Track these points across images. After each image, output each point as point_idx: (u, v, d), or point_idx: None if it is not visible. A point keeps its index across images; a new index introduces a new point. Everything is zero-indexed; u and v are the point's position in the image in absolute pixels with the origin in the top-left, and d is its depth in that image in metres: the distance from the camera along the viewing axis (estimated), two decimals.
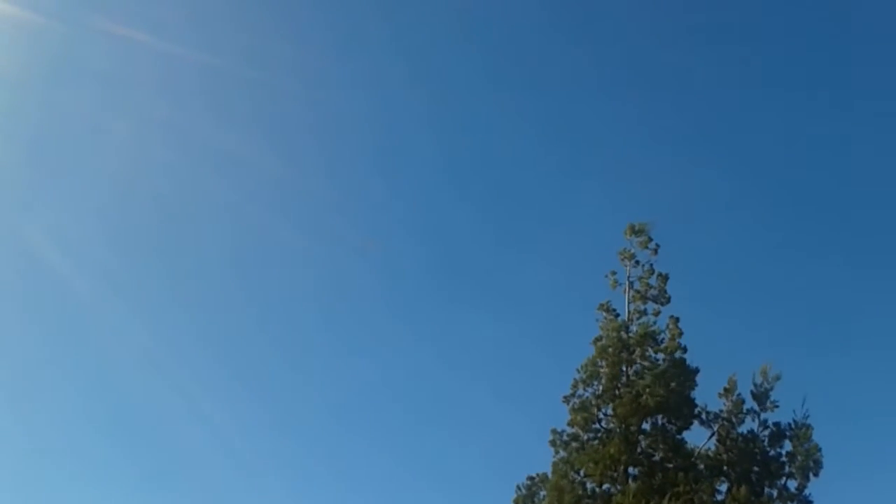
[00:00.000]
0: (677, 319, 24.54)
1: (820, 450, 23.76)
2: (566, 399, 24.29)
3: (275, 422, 42.02)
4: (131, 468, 40.27)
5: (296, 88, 41.54)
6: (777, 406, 24.26)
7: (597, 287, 25.75)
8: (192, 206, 44.04)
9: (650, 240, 25.28)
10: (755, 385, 24.28)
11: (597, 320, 25.08)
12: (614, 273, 25.48)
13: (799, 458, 23.65)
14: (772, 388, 24.30)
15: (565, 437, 24.04)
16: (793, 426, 24.02)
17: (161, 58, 37.33)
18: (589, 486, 23.58)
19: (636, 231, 25.61)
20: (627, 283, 25.26)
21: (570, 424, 24.12)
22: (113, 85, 39.61)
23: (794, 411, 24.00)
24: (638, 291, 25.05)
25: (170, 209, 42.59)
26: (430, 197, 45.91)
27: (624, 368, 24.32)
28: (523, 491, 24.36)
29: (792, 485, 23.36)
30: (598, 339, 24.65)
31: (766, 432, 24.22)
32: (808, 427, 23.97)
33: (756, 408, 24.25)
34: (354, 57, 43.39)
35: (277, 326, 45.70)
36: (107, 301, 40.34)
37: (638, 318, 24.78)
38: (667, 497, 21.90)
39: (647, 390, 23.64)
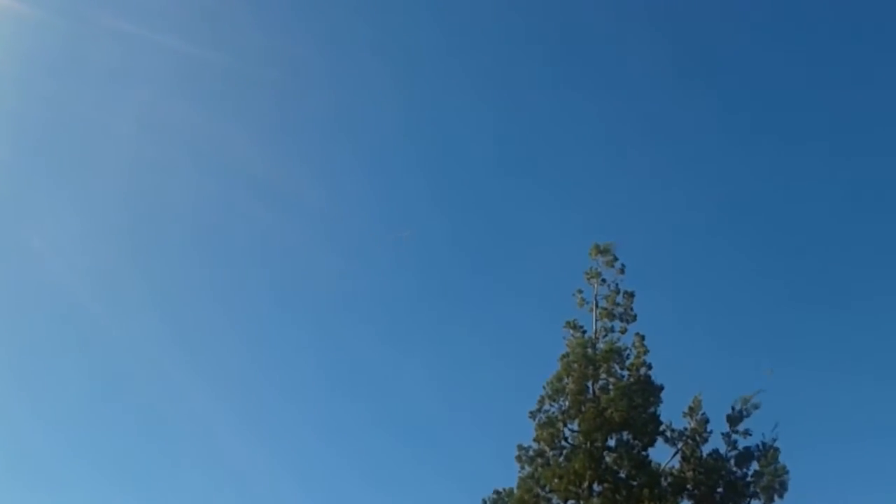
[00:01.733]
0: (643, 337, 24.90)
1: (787, 471, 24.01)
2: (532, 414, 24.43)
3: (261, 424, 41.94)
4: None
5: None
6: (750, 434, 24.52)
7: (565, 305, 26.08)
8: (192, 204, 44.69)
9: (616, 259, 25.72)
10: (733, 409, 24.65)
11: (564, 338, 25.40)
12: (581, 291, 25.88)
13: (765, 478, 23.86)
14: (748, 415, 24.62)
15: (531, 453, 24.11)
16: (761, 447, 24.23)
17: (161, 54, 38.29)
18: (554, 501, 23.65)
19: (601, 251, 26.04)
20: (594, 301, 25.61)
21: (536, 440, 24.22)
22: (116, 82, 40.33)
23: (763, 434, 24.36)
24: (604, 309, 25.39)
25: (169, 208, 43.29)
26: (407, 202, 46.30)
27: (590, 384, 24.52)
28: None
29: None
30: (565, 355, 24.87)
31: (734, 452, 24.39)
32: (776, 449, 24.20)
33: (727, 429, 24.51)
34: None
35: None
36: (103, 301, 40.98)
37: (604, 336, 25.11)
38: None
39: (612, 406, 23.79)
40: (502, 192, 45.52)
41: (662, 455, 24.18)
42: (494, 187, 45.70)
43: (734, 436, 24.57)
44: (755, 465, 24.10)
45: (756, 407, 24.67)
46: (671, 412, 24.58)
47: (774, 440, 24.35)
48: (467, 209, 45.45)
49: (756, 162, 44.18)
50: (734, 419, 24.61)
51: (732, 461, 24.25)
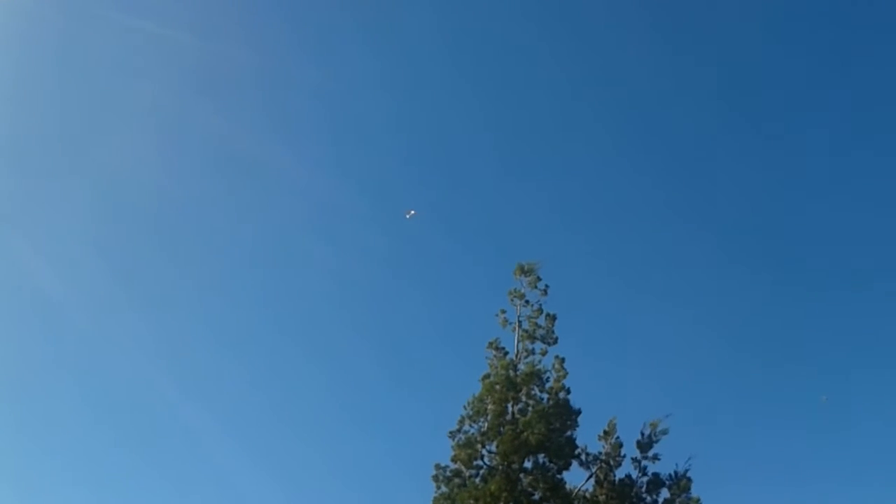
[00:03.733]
0: (563, 360, 25.01)
1: (699, 502, 24.40)
2: (452, 434, 24.30)
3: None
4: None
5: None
6: (659, 459, 24.88)
7: (488, 325, 26.07)
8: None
9: (539, 279, 25.81)
10: (642, 435, 24.92)
11: (486, 358, 25.31)
12: (504, 311, 25.88)
13: None
14: (657, 441, 24.95)
15: (448, 473, 23.96)
16: (673, 476, 24.63)
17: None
18: None
19: (525, 271, 26.09)
20: (517, 322, 25.64)
21: (454, 460, 24.08)
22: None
23: (675, 463, 24.71)
24: (526, 331, 25.44)
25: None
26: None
27: (510, 406, 24.52)
28: None
29: None
30: (487, 376, 24.83)
31: (645, 479, 24.75)
32: (688, 479, 24.60)
33: (638, 455, 24.81)
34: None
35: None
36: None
37: (526, 357, 25.13)
38: None
39: (530, 429, 23.85)
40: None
41: (578, 478, 24.43)
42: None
43: (644, 462, 24.92)
44: (665, 493, 24.51)
45: (664, 433, 25.00)
46: (588, 435, 24.84)
47: (687, 471, 24.71)
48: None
49: (682, 188, 45.35)
50: (644, 445, 24.88)
51: (643, 487, 24.64)
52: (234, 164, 43.55)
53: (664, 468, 24.46)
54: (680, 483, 24.04)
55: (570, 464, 24.27)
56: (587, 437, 24.74)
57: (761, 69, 45.78)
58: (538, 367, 24.86)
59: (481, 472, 23.93)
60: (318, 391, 43.18)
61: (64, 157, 42.41)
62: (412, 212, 29.87)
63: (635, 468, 24.69)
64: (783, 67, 45.46)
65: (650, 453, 24.84)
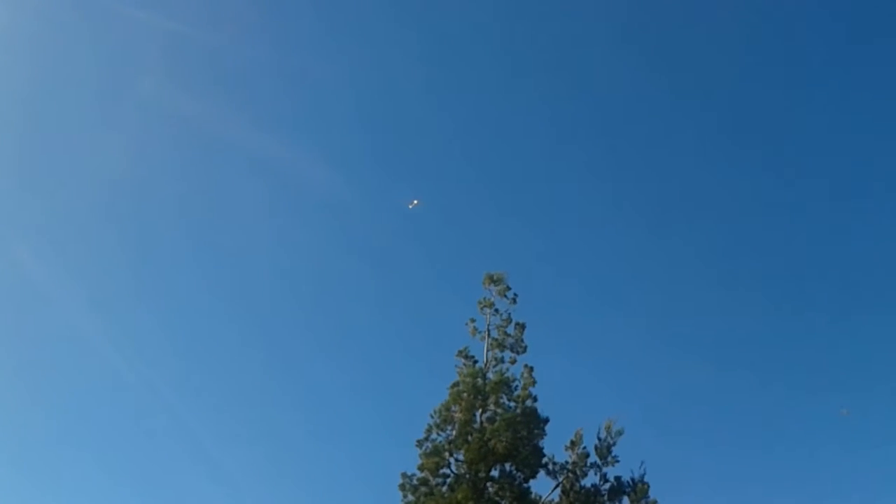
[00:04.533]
0: (532, 369, 25.01)
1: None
2: (419, 443, 24.18)
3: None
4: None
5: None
6: (618, 461, 25.04)
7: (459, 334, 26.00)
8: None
9: (508, 288, 25.79)
10: (599, 439, 25.04)
11: (455, 366, 25.24)
12: (473, 320, 25.82)
13: None
14: (614, 444, 25.09)
15: (415, 482, 23.85)
16: (631, 482, 24.82)
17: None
18: None
19: (494, 280, 26.05)
20: (487, 330, 25.60)
21: (420, 469, 23.97)
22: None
23: (632, 469, 24.91)
24: (496, 339, 25.40)
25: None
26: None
27: (478, 415, 24.47)
28: None
29: None
30: (455, 384, 24.73)
31: (607, 486, 24.91)
32: (646, 484, 24.84)
33: (598, 461, 24.92)
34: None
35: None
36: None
37: (495, 366, 25.07)
38: None
39: (497, 437, 23.82)
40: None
41: (545, 487, 24.46)
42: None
43: (605, 467, 24.99)
44: (626, 501, 24.68)
45: (620, 433, 25.18)
46: (556, 444, 24.88)
47: (643, 476, 24.96)
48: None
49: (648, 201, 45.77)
50: (602, 451, 24.98)
51: (606, 494, 24.77)
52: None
53: (621, 468, 24.60)
54: (637, 489, 24.17)
55: (536, 472, 24.31)
56: (556, 445, 24.82)
57: (746, 77, 46.10)
58: (507, 375, 24.87)
59: (448, 480, 23.88)
60: (281, 400, 42.58)
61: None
62: (415, 201, 29.50)
63: (596, 474, 24.80)
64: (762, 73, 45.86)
65: (609, 457, 24.94)
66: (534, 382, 24.90)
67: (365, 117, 45.82)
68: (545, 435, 24.64)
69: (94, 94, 42.76)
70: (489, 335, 25.47)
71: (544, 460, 24.46)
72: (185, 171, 45.56)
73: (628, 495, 24.72)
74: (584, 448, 24.94)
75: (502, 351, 25.23)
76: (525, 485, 24.15)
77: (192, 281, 45.15)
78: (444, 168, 46.11)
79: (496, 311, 25.72)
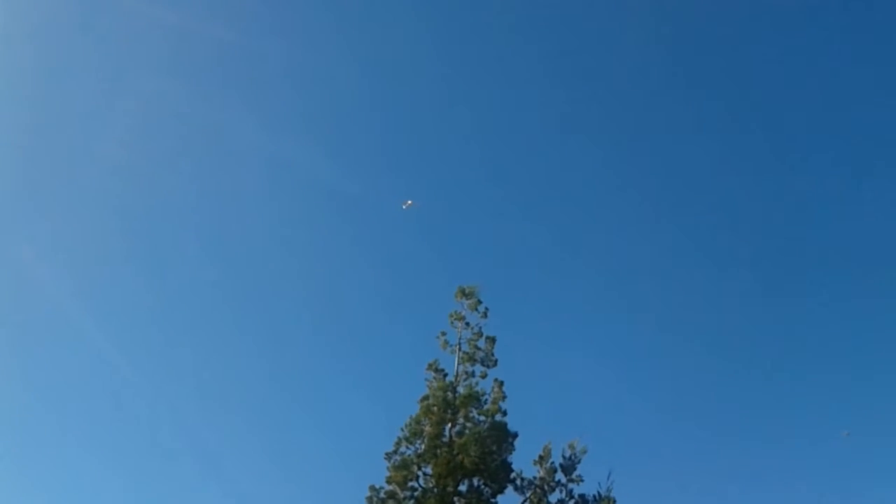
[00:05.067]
0: (502, 383, 25.02)
1: None
2: (388, 456, 24.04)
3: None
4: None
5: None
6: (582, 480, 25.05)
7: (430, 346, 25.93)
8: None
9: (479, 302, 25.78)
10: (564, 457, 25.02)
11: (426, 379, 25.16)
12: (444, 334, 25.77)
13: None
14: (579, 462, 25.09)
15: (382, 495, 23.72)
16: (597, 497, 24.88)
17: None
18: None
19: (466, 294, 26.05)
20: (458, 344, 25.56)
21: (388, 481, 23.84)
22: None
23: (598, 483, 24.91)
24: (466, 353, 25.37)
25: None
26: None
27: (447, 429, 24.41)
28: None
29: None
30: (425, 398, 24.67)
31: (572, 502, 24.93)
32: (612, 499, 24.92)
33: (563, 479, 24.94)
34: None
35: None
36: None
37: (465, 380, 25.04)
38: None
39: (465, 451, 23.77)
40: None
41: (512, 502, 24.39)
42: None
43: (570, 484, 25.02)
44: None
45: (584, 452, 25.22)
46: (525, 459, 24.84)
47: (610, 490, 25.03)
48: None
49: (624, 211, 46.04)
50: (567, 468, 24.96)
51: None
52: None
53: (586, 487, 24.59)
54: (602, 503, 24.23)
55: (504, 487, 24.27)
56: (524, 460, 24.78)
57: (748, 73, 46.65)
58: (477, 389, 24.83)
59: (416, 494, 23.76)
60: (284, 397, 41.96)
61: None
62: (409, 202, 29.32)
63: (560, 492, 24.76)
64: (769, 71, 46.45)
65: (574, 474, 24.91)
66: (503, 397, 24.90)
67: (374, 113, 45.58)
68: (514, 449, 24.67)
69: (97, 89, 41.91)
70: (460, 349, 25.46)
71: (512, 475, 24.42)
72: (190, 167, 44.69)
73: None
74: (552, 463, 24.92)
75: (473, 365, 25.22)
76: (493, 500, 24.09)
77: (196, 277, 44.58)
78: (455, 165, 45.91)
79: (467, 324, 25.72)
